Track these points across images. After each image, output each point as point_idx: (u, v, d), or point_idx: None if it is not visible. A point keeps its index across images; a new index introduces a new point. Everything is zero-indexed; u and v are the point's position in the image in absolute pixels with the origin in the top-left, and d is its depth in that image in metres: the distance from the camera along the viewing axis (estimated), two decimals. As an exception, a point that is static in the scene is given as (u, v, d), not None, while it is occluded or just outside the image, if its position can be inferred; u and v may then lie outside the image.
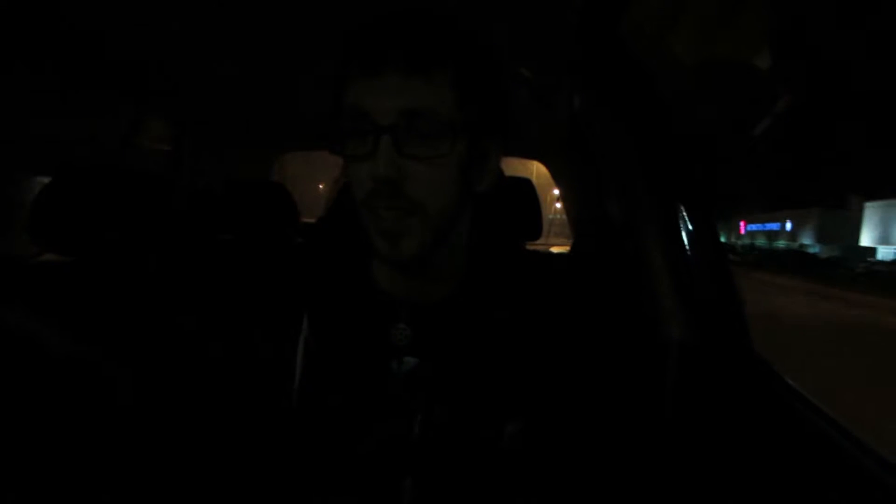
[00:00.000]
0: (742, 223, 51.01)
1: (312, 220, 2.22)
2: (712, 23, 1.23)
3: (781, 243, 43.75)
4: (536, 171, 3.00)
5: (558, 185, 3.15)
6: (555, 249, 3.41)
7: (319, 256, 0.84)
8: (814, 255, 32.78)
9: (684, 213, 1.21)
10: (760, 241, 46.09)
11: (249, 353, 0.79)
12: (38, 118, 1.67)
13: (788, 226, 45.02)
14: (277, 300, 0.80)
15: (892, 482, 0.75)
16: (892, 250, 32.04)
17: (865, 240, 35.83)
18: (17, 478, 0.73)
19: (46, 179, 1.25)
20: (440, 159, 0.66)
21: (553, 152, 2.72)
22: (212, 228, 1.63)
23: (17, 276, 1.26)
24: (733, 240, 50.64)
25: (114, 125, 1.91)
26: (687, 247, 1.21)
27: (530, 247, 2.38)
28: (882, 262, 29.14)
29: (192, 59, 1.49)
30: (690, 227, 1.21)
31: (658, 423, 1.18)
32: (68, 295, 1.18)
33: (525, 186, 1.74)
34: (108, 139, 1.94)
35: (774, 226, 47.34)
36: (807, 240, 40.17)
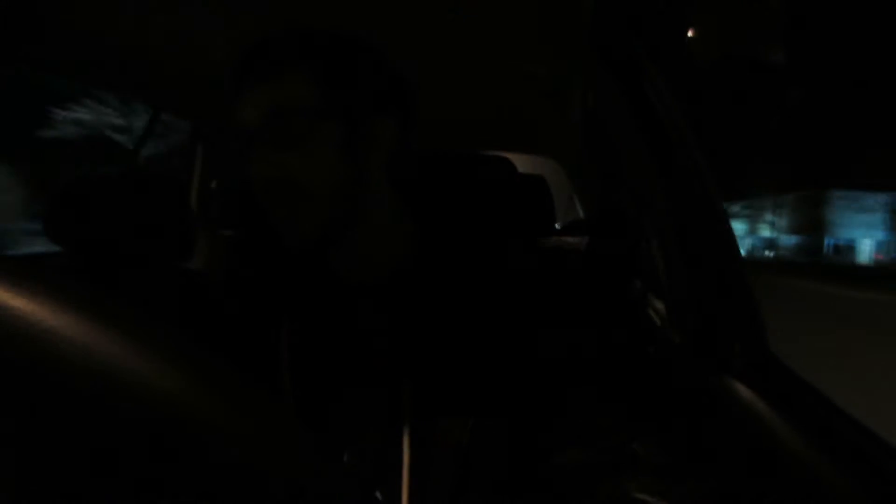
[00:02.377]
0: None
1: None
2: (725, 18, 1.22)
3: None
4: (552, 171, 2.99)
5: (573, 183, 3.14)
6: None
7: (290, 255, 0.87)
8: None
9: (700, 212, 1.20)
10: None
11: (243, 351, 0.81)
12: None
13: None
14: (258, 299, 0.86)
15: None
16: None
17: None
18: None
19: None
20: (314, 146, 0.72)
21: (567, 150, 2.71)
22: (224, 227, 1.64)
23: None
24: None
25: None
26: (702, 245, 1.20)
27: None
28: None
29: (206, 56, 1.50)
30: (706, 225, 1.20)
31: (671, 422, 1.17)
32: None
33: (536, 183, 1.73)
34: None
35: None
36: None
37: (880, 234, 48.53)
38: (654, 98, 1.19)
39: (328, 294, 0.83)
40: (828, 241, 48.23)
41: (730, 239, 1.19)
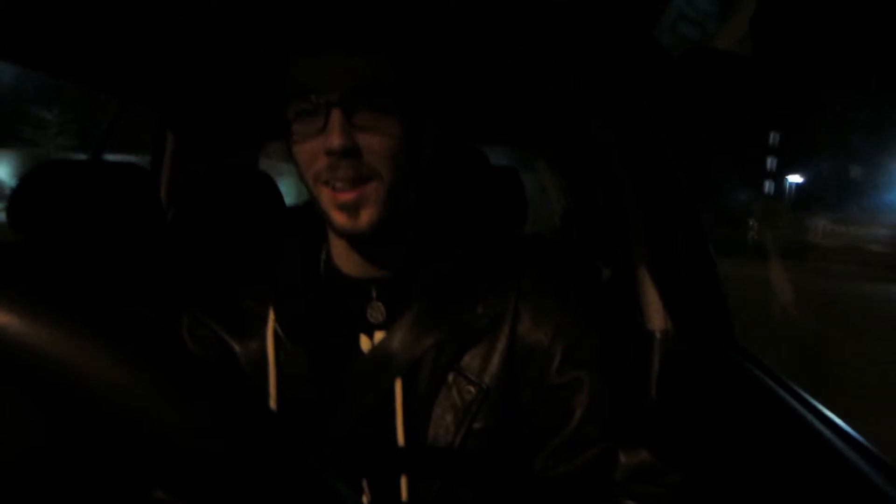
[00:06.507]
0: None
1: None
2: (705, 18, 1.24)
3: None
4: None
5: (550, 176, 3.17)
6: None
7: (281, 246, 0.84)
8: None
9: (671, 207, 1.22)
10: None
11: (222, 348, 0.79)
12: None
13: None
14: (241, 293, 0.82)
15: (875, 474, 0.75)
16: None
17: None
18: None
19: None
20: (390, 130, 0.69)
21: (545, 145, 2.72)
22: (195, 220, 1.62)
23: None
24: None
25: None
26: (672, 238, 1.22)
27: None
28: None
29: (174, 45, 1.47)
30: (677, 219, 1.22)
31: (639, 411, 1.19)
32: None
33: (510, 175, 1.74)
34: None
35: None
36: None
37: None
38: (627, 95, 1.20)
39: (328, 288, 0.80)
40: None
41: (700, 232, 1.21)
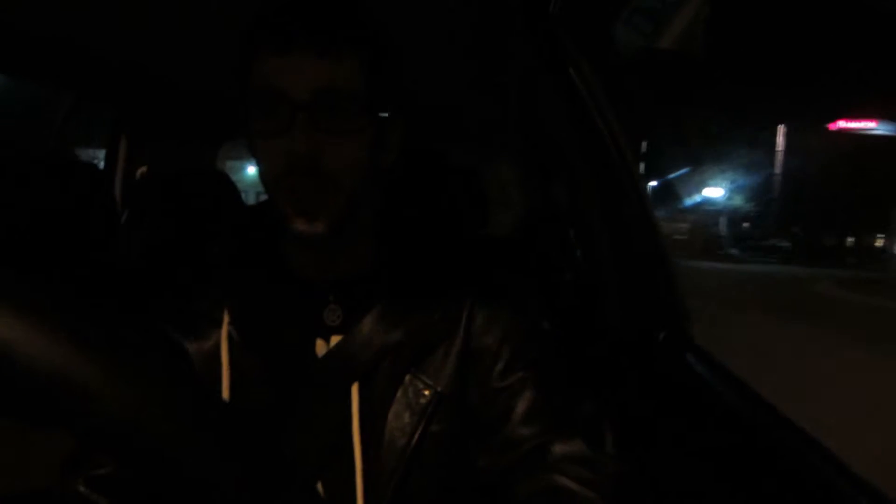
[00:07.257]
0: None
1: None
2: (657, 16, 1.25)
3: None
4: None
5: (512, 176, 3.20)
6: None
7: (236, 247, 0.83)
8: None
9: (627, 206, 1.23)
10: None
11: (173, 349, 0.77)
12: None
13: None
14: (195, 295, 0.80)
15: (829, 472, 0.77)
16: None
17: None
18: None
19: None
20: (354, 136, 0.69)
21: (503, 143, 2.74)
22: (151, 219, 1.58)
23: None
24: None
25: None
26: (631, 240, 1.23)
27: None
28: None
29: (129, 42, 1.44)
30: (633, 219, 1.23)
31: (594, 412, 1.20)
32: None
33: (470, 176, 1.74)
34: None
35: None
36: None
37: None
38: (584, 93, 1.21)
39: (284, 290, 0.79)
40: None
41: (656, 232, 1.23)
